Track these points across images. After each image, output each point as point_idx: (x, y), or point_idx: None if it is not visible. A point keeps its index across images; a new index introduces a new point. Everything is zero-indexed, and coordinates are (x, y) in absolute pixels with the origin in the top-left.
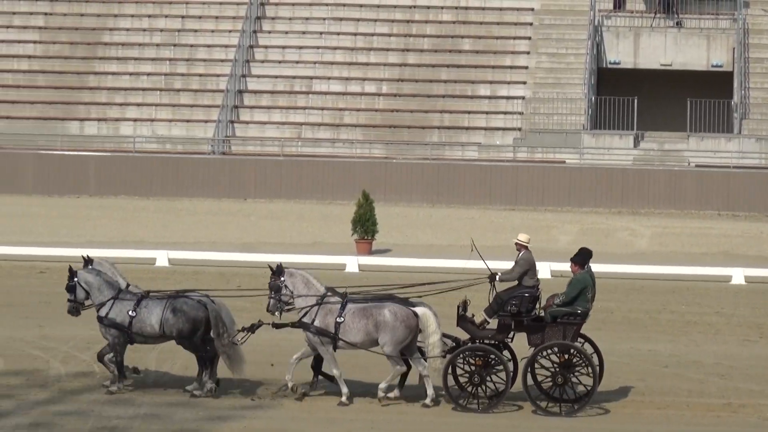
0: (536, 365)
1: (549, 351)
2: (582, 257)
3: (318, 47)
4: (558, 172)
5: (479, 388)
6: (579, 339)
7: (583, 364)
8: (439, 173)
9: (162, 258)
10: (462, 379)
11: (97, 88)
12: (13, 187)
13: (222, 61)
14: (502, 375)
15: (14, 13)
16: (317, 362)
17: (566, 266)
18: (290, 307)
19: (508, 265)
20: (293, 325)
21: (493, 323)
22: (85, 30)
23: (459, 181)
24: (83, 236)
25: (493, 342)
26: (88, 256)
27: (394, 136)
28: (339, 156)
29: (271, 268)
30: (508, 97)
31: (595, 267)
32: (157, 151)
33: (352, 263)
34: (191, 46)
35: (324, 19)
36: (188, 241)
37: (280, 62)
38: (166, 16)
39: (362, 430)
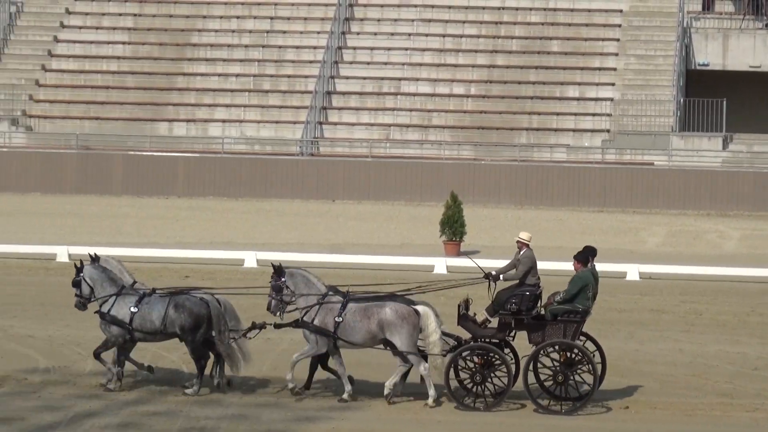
0: (537, 363)
1: (550, 349)
2: (584, 255)
3: (406, 48)
4: (646, 174)
5: (481, 387)
6: (583, 339)
7: (585, 363)
8: (528, 175)
9: (250, 259)
10: (463, 375)
11: (185, 89)
12: (102, 187)
13: (310, 62)
14: (504, 374)
15: (103, 14)
16: (323, 359)
17: (656, 268)
18: (292, 307)
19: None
20: (294, 324)
21: (495, 322)
22: (173, 31)
23: (547, 182)
24: (172, 237)
25: (494, 341)
26: (95, 254)
27: (483, 137)
28: (427, 157)
29: (274, 266)
30: (596, 99)
31: (684, 269)
32: (245, 152)
33: (440, 265)
34: (280, 47)
35: (412, 20)
36: (276, 242)
37: (368, 63)
38: (255, 18)
39: None
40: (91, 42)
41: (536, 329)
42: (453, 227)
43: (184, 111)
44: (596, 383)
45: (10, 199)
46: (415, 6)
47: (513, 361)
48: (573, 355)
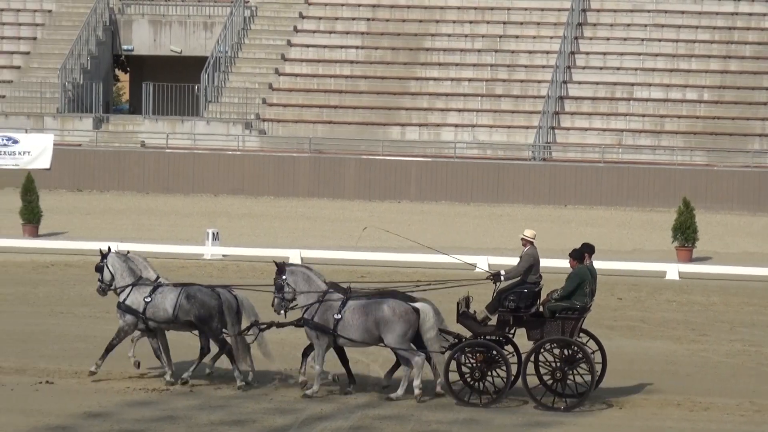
0: (535, 360)
1: (548, 346)
2: (579, 252)
3: (639, 54)
4: None
5: (480, 383)
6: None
7: (583, 360)
8: (761, 181)
9: (482, 263)
10: (464, 371)
11: (418, 94)
12: (334, 191)
13: (543, 67)
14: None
15: (337, 19)
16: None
17: None
18: (294, 304)
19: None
20: (296, 323)
21: (495, 319)
22: (407, 36)
23: None
24: (404, 241)
25: (494, 338)
26: (127, 251)
27: (716, 143)
28: (659, 163)
29: (276, 264)
30: None
31: None
32: (477, 156)
33: (672, 271)
34: (512, 52)
35: (645, 25)
36: (508, 247)
37: (601, 68)
38: (488, 22)
39: None
40: (325, 46)
41: (535, 326)
42: (685, 233)
43: (416, 115)
44: (594, 380)
45: (243, 201)
46: (648, 11)
47: (514, 356)
48: (571, 352)
